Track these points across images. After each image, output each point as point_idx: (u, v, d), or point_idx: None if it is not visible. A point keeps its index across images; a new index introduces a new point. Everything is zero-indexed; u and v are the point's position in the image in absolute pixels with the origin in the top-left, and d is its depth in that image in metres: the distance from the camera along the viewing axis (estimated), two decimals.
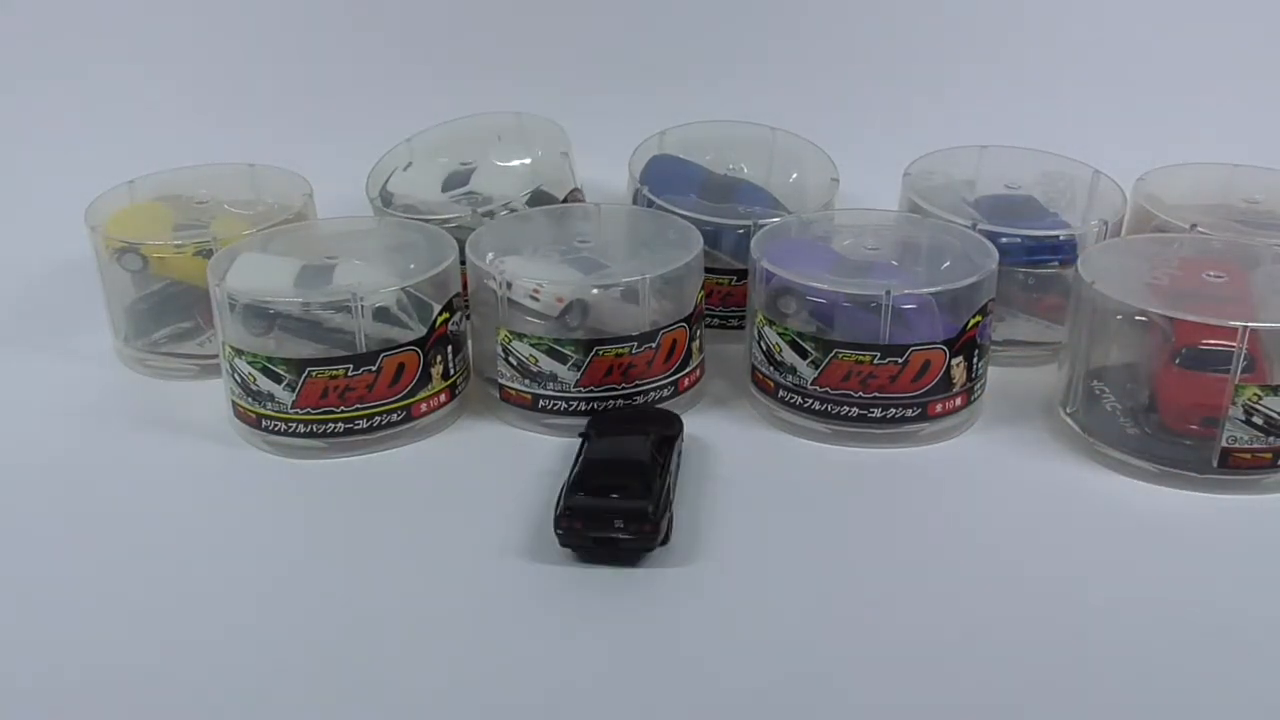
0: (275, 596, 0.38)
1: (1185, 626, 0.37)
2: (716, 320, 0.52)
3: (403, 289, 0.45)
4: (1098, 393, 0.45)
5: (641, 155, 0.57)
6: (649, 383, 0.46)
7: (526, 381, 0.46)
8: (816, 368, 0.45)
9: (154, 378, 0.51)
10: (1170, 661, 0.35)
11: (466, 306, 0.48)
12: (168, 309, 0.51)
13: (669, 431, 0.43)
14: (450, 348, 0.46)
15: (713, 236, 0.50)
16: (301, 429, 0.44)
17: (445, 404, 0.46)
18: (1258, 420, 0.41)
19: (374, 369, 0.44)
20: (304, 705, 0.34)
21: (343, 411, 0.44)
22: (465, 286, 0.48)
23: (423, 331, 0.45)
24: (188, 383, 0.50)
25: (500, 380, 0.47)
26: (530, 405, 0.46)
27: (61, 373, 0.52)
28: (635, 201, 0.54)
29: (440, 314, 0.45)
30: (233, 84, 0.68)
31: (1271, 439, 0.42)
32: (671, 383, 0.47)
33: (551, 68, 0.67)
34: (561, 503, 0.39)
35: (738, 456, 0.46)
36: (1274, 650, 0.36)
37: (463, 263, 0.47)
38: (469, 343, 0.48)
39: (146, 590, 0.38)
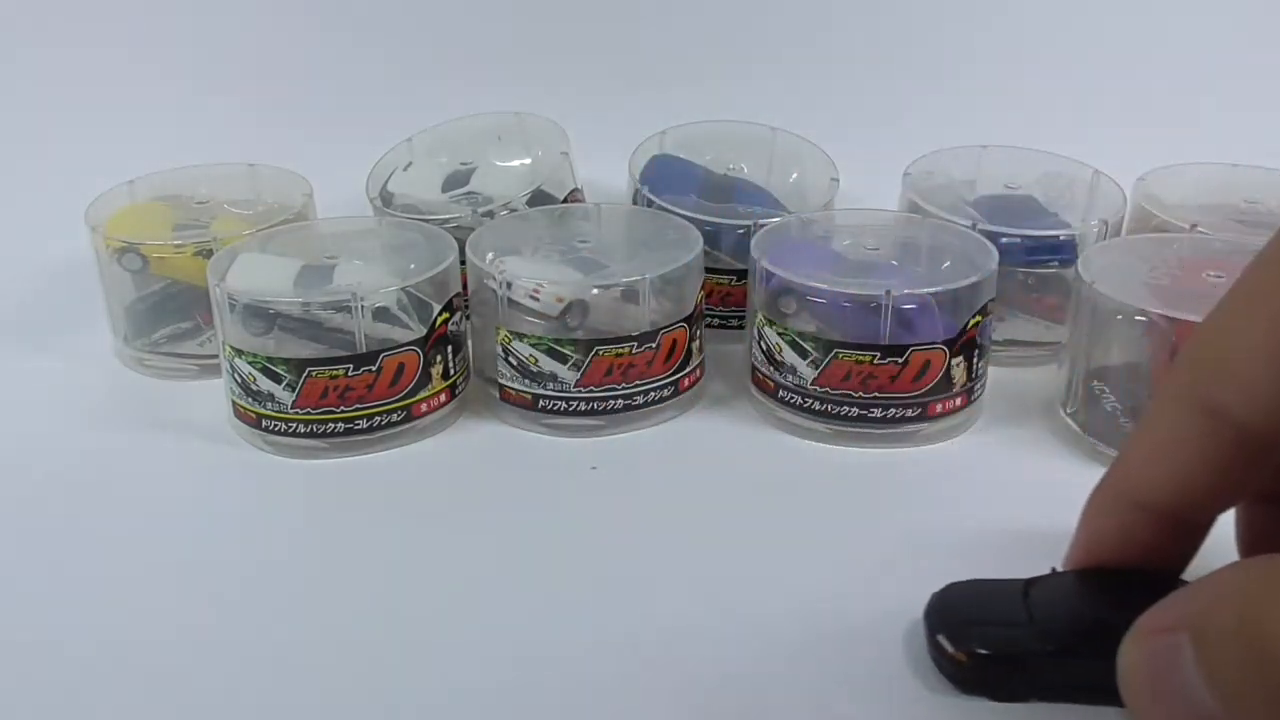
0: (276, 596, 0.38)
1: None
2: (716, 320, 0.52)
3: (403, 289, 0.45)
4: (1098, 393, 0.45)
5: (641, 155, 0.57)
6: (649, 382, 0.46)
7: (526, 381, 0.46)
8: (817, 368, 0.45)
9: (154, 377, 0.51)
10: None
11: (466, 306, 0.48)
12: (167, 309, 0.51)
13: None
14: (450, 348, 0.46)
15: (713, 236, 0.50)
16: (301, 429, 0.44)
17: (445, 404, 0.46)
18: None
19: (374, 369, 0.44)
20: (303, 705, 0.34)
21: (343, 411, 0.44)
22: (465, 287, 0.48)
23: (423, 331, 0.45)
24: (188, 383, 0.50)
25: (500, 380, 0.47)
26: (530, 405, 0.46)
27: (61, 372, 0.52)
28: (635, 201, 0.54)
29: (440, 314, 0.45)
30: (233, 84, 0.68)
31: None
32: (671, 383, 0.47)
33: (551, 68, 0.67)
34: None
35: (738, 456, 0.46)
36: None
37: (463, 263, 0.47)
38: (468, 343, 0.48)
39: (146, 590, 0.38)
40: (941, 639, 0.33)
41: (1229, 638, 0.23)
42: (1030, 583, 0.33)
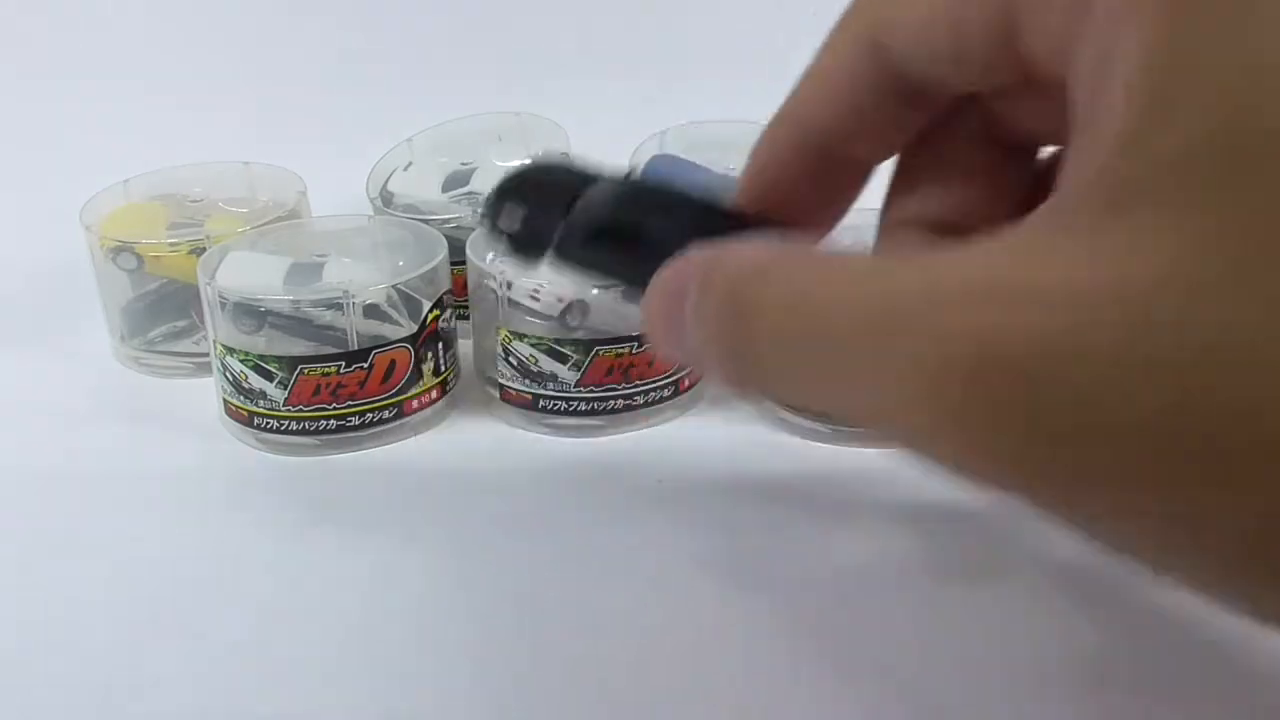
0: (268, 593, 0.38)
1: (1183, 627, 0.36)
2: None
3: (393, 286, 0.45)
4: None
5: (641, 155, 0.56)
6: (649, 383, 0.46)
7: (526, 381, 0.46)
8: None
9: (151, 376, 0.51)
10: (1164, 663, 0.35)
11: (457, 304, 0.48)
12: (164, 307, 0.51)
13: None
14: (441, 344, 0.46)
15: None
16: (294, 426, 0.44)
17: (436, 400, 0.46)
18: None
19: (365, 366, 0.44)
20: (293, 702, 0.33)
21: (335, 409, 0.44)
22: (458, 285, 0.47)
23: (414, 328, 0.45)
24: (185, 380, 0.50)
25: (500, 380, 0.46)
26: (530, 405, 0.46)
27: (58, 371, 0.51)
28: None
29: (431, 311, 0.45)
30: (231, 85, 0.69)
31: None
32: (671, 383, 0.47)
33: (551, 68, 0.67)
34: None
35: (738, 456, 0.45)
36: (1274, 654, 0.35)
37: (461, 262, 0.47)
38: (457, 340, 0.48)
39: (138, 587, 0.38)
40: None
41: (719, 299, 0.25)
42: (620, 181, 0.34)
